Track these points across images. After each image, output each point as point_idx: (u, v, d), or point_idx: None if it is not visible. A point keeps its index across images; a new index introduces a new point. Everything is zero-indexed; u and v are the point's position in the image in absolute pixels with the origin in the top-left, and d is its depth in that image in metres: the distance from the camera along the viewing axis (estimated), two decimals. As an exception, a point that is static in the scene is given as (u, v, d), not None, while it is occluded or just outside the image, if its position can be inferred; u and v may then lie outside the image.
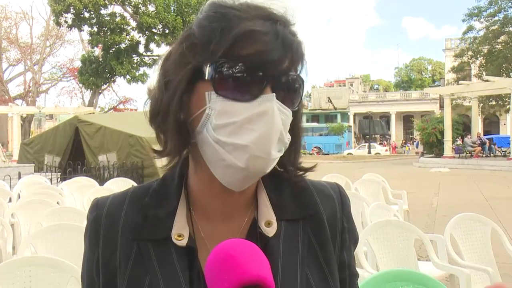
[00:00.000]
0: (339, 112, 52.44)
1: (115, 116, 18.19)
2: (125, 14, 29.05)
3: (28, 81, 39.15)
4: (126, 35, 29.10)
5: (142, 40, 29.45)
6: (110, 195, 0.80)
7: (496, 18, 28.43)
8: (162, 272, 0.70)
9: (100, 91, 35.33)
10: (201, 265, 0.71)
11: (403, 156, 36.07)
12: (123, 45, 29.18)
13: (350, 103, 51.92)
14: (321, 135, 44.68)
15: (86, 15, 28.05)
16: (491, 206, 9.54)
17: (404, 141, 49.13)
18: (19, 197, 5.96)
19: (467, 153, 24.05)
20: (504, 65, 28.01)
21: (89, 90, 33.81)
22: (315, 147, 41.72)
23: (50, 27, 37.32)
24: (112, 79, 31.31)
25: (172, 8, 27.48)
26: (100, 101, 52.57)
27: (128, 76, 29.69)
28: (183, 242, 0.72)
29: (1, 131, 33.13)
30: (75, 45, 53.59)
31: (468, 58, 30.76)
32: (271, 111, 0.65)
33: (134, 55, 30.15)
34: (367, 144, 40.88)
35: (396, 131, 51.06)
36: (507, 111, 29.72)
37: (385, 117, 51.84)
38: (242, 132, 0.65)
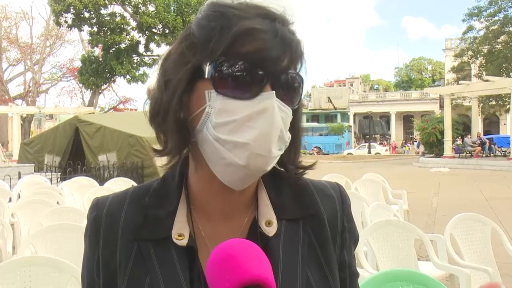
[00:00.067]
0: (339, 112, 52.46)
1: (115, 116, 18.18)
2: (125, 14, 29.07)
3: (28, 81, 39.21)
4: (126, 35, 29.09)
5: (142, 40, 29.46)
6: (110, 194, 0.80)
7: (496, 18, 28.45)
8: (163, 272, 0.70)
9: (100, 91, 35.34)
10: (202, 265, 0.71)
11: (403, 156, 36.08)
12: (123, 45, 29.18)
13: (350, 103, 51.94)
14: (321, 135, 44.72)
15: (86, 15, 28.04)
16: (491, 206, 9.54)
17: (404, 141, 49.16)
18: (19, 197, 5.96)
19: (467, 153, 24.06)
20: (504, 65, 28.02)
21: (89, 90, 33.81)
22: (315, 147, 41.73)
23: (50, 27, 37.33)
24: (112, 79, 31.31)
25: (172, 8, 27.49)
26: (100, 101, 52.68)
27: (128, 76, 29.69)
28: (183, 241, 0.71)
29: (1, 131, 33.14)
30: (75, 45, 53.70)
31: (468, 58, 30.77)
32: (271, 109, 0.65)
33: (134, 55, 30.15)
34: (367, 144, 40.89)
35: (396, 131, 51.07)
36: (507, 111, 29.74)
37: (385, 117, 51.86)
38: (242, 130, 0.65)
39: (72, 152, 12.54)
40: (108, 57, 28.84)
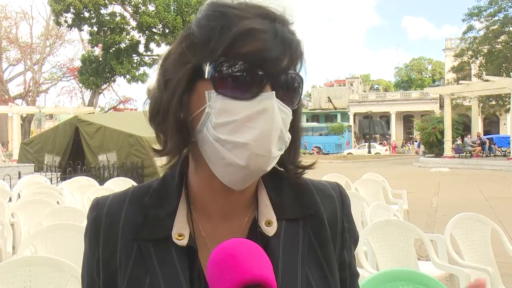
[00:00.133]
0: (339, 112, 52.46)
1: (115, 116, 18.18)
2: (125, 13, 29.04)
3: (28, 81, 39.19)
4: (126, 35, 29.08)
5: (142, 40, 29.44)
6: (110, 194, 0.80)
7: (496, 18, 28.43)
8: (163, 272, 0.70)
9: (100, 91, 35.33)
10: (202, 264, 0.71)
11: (403, 156, 36.07)
12: (123, 45, 29.16)
13: (350, 103, 51.93)
14: (321, 134, 44.73)
15: (86, 14, 28.03)
16: (491, 206, 9.54)
17: (404, 141, 49.15)
18: (19, 197, 5.96)
19: (467, 153, 24.06)
20: (504, 65, 28.01)
21: (89, 90, 33.80)
22: (315, 147, 41.74)
23: (50, 27, 37.32)
24: (112, 78, 31.30)
25: (172, 7, 27.48)
26: (100, 101, 52.72)
27: (128, 76, 29.68)
28: (183, 241, 0.71)
29: (1, 131, 33.14)
30: (75, 45, 53.88)
31: (468, 58, 30.77)
32: (271, 109, 0.65)
33: (134, 55, 30.14)
34: (367, 144, 40.87)
35: (396, 131, 51.06)
36: (507, 111, 29.73)
37: (385, 117, 51.85)
38: (242, 130, 0.65)
39: (72, 152, 12.55)
40: (108, 57, 28.83)
